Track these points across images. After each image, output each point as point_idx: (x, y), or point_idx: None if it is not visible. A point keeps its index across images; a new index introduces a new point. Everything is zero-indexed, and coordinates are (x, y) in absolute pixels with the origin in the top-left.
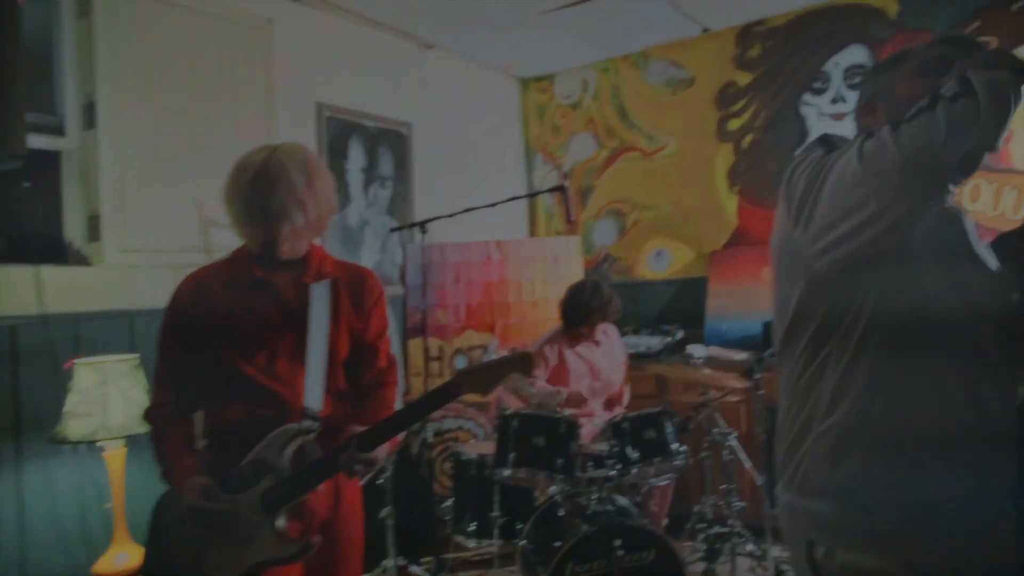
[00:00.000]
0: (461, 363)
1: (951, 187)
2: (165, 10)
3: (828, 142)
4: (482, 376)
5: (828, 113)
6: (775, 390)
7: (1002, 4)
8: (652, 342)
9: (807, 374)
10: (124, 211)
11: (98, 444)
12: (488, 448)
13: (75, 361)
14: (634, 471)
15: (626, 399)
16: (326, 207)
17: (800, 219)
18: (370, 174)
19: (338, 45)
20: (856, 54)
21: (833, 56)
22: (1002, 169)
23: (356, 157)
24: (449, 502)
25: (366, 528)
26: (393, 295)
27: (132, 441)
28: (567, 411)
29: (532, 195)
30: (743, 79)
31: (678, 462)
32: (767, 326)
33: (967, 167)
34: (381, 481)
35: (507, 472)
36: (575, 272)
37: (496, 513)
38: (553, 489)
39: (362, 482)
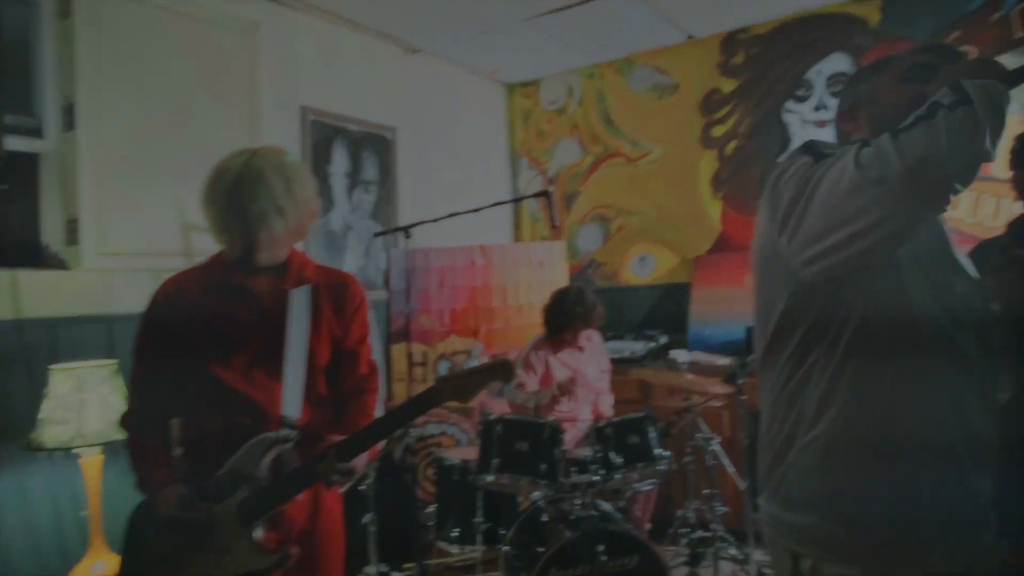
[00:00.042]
0: (445, 368)
1: (952, 197)
2: (147, 12)
3: (814, 149)
4: (463, 383)
5: (811, 120)
6: (757, 395)
7: (982, 14)
8: (636, 347)
9: (792, 383)
10: (103, 215)
11: (74, 451)
12: (471, 453)
13: (51, 367)
14: (617, 476)
15: (610, 401)
16: (307, 212)
17: (786, 227)
18: (354, 178)
19: (323, 49)
20: (838, 62)
21: (816, 64)
22: (981, 177)
23: (340, 161)
24: (432, 508)
25: (348, 534)
26: (377, 300)
27: (109, 448)
28: (561, 401)
29: (517, 200)
30: (727, 86)
31: (661, 467)
32: (750, 331)
33: (967, 176)
34: (363, 487)
35: (490, 478)
36: (560, 277)
37: (479, 519)
38: (536, 494)
39: (343, 489)
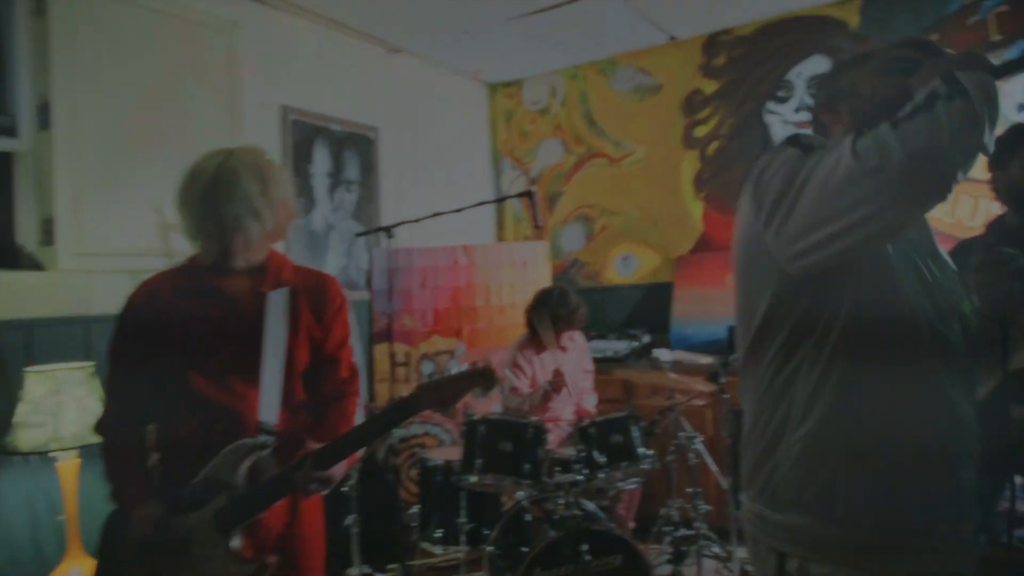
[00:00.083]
0: (428, 368)
1: (954, 187)
2: (125, 10)
3: (800, 142)
4: (443, 391)
5: (792, 121)
6: (740, 395)
7: (959, 17)
8: (619, 346)
9: (778, 381)
10: (79, 214)
11: (50, 455)
12: (455, 454)
13: (27, 369)
14: (601, 475)
15: (594, 400)
16: (284, 213)
17: (773, 220)
18: (336, 178)
19: (304, 48)
20: (818, 64)
21: (796, 66)
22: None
23: (322, 161)
24: (415, 509)
25: (330, 536)
26: (359, 300)
27: (86, 451)
28: (554, 397)
29: (500, 200)
30: (709, 87)
31: (645, 466)
32: (732, 331)
33: (967, 167)
34: (346, 488)
35: (474, 478)
36: (543, 277)
37: (463, 519)
38: (520, 494)
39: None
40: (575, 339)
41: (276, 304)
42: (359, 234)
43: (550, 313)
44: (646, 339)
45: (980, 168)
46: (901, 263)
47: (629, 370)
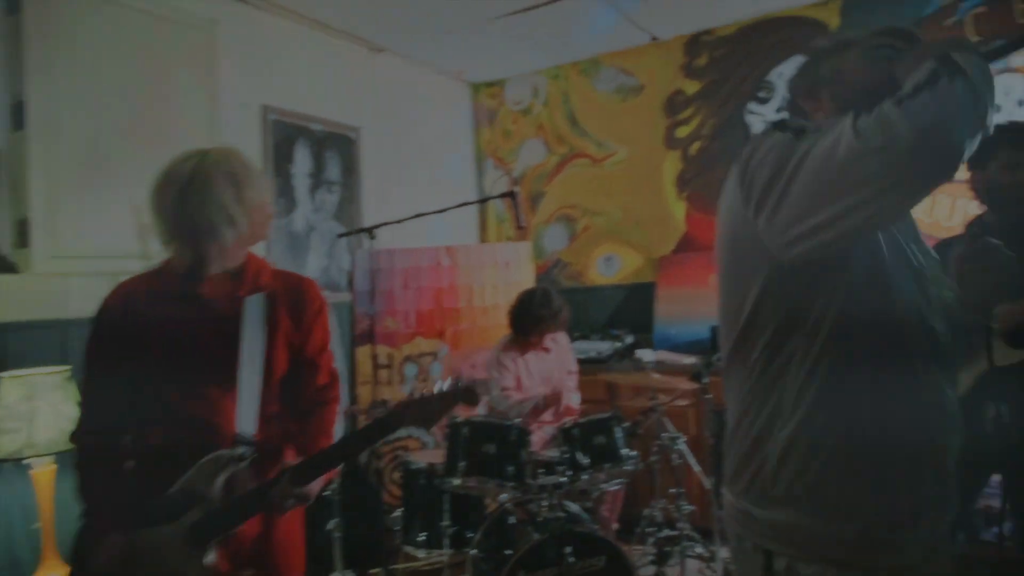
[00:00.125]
0: (411, 370)
1: (959, 166)
2: (101, 8)
3: (789, 126)
4: (426, 409)
5: (773, 122)
6: (723, 394)
7: (937, 18)
8: (602, 347)
9: (767, 375)
10: (55, 216)
11: (25, 461)
12: (438, 457)
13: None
14: (585, 477)
15: (578, 399)
16: (260, 217)
17: (764, 207)
18: (317, 179)
19: (285, 47)
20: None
21: (777, 66)
22: None
23: (302, 161)
24: (398, 512)
25: (312, 541)
26: (340, 302)
27: (61, 458)
28: (544, 415)
29: (482, 201)
30: (691, 87)
31: (628, 467)
32: (715, 331)
33: (971, 147)
34: (328, 492)
35: (457, 481)
36: (526, 278)
37: (446, 522)
38: (504, 497)
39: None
40: (558, 340)
41: (253, 310)
42: (341, 235)
43: (533, 314)
44: (629, 339)
45: (959, 168)
46: (891, 251)
47: (613, 373)
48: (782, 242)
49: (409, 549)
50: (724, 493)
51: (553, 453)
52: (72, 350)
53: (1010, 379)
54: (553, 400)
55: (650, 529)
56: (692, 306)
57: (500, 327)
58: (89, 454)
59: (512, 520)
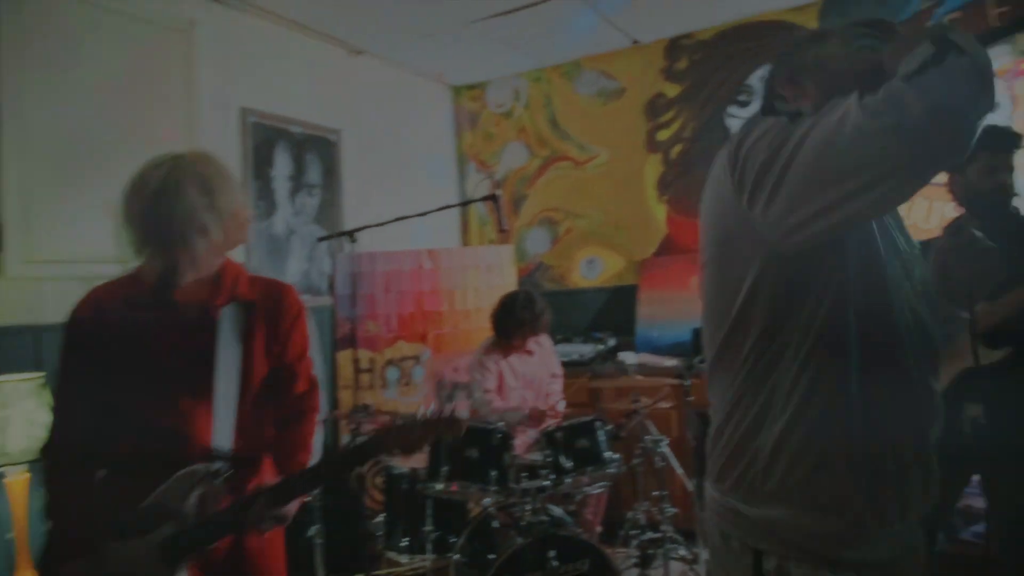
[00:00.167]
0: (393, 374)
1: (971, 145)
2: (76, 8)
3: (778, 110)
4: (408, 437)
5: (762, 107)
6: (705, 396)
7: (915, 21)
8: (584, 350)
9: (758, 368)
10: (30, 220)
11: None
12: (420, 461)
13: None
14: (568, 481)
15: (561, 404)
16: (235, 224)
17: (759, 195)
18: (297, 182)
19: (264, 49)
20: None
21: (757, 70)
22: None
23: (282, 164)
24: (380, 518)
25: (293, 547)
26: (321, 306)
27: (35, 467)
28: (529, 430)
29: (464, 204)
30: (671, 91)
31: (611, 470)
32: (696, 333)
33: (981, 125)
34: (309, 498)
35: (440, 486)
36: (508, 281)
37: (429, 527)
38: (487, 501)
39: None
40: (542, 343)
41: (230, 321)
42: (321, 239)
43: (516, 317)
44: (611, 342)
45: (969, 149)
46: (881, 237)
47: (595, 374)
48: (780, 231)
49: (392, 555)
50: (708, 491)
51: (536, 457)
52: (46, 356)
53: (987, 379)
54: (536, 420)
55: (633, 532)
56: (674, 308)
57: (483, 330)
58: (59, 466)
59: (495, 524)
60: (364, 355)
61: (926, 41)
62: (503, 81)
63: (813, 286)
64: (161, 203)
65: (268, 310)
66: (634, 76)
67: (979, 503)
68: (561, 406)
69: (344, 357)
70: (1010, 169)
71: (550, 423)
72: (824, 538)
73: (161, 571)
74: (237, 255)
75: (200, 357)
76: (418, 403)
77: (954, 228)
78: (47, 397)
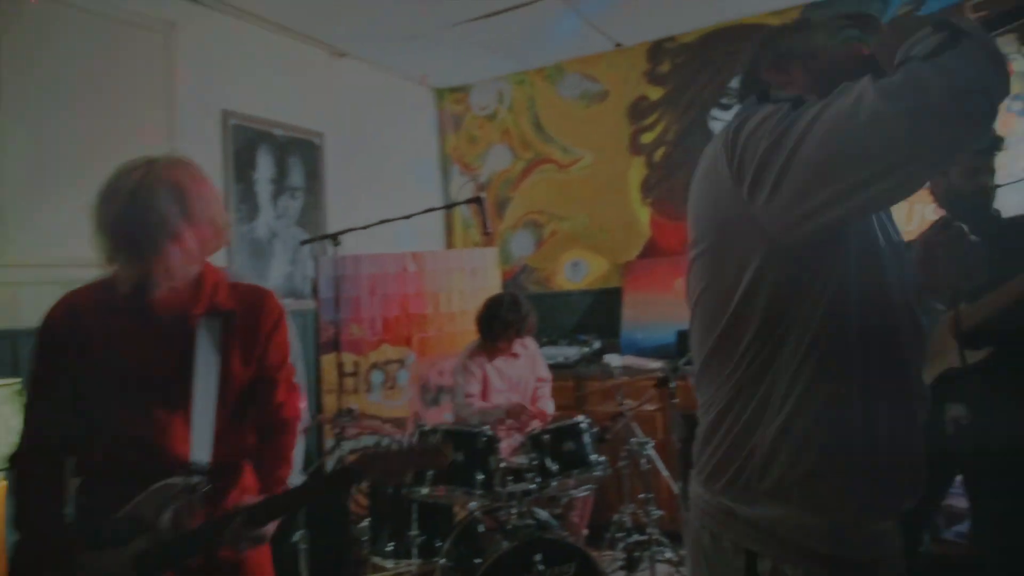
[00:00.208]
0: (378, 378)
1: (991, 128)
2: (53, 9)
3: (775, 97)
4: (391, 465)
5: (758, 94)
6: (690, 398)
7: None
8: (569, 352)
9: (755, 365)
10: (5, 223)
11: None
12: None
13: None
14: (554, 484)
15: (551, 407)
16: (210, 231)
17: (761, 185)
18: (280, 184)
19: (246, 51)
20: None
21: (739, 73)
22: None
23: (265, 167)
24: (365, 522)
25: (277, 553)
26: (305, 309)
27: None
28: (508, 426)
29: (449, 207)
30: (654, 93)
31: (597, 473)
32: (680, 335)
33: (998, 111)
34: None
35: (425, 490)
36: (493, 283)
37: (414, 532)
38: (473, 505)
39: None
40: (527, 346)
41: (208, 330)
42: (304, 242)
43: (501, 319)
44: (596, 345)
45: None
46: (878, 231)
47: (580, 376)
48: (784, 222)
49: (377, 560)
50: (696, 492)
51: (522, 460)
52: (23, 361)
53: (969, 380)
54: (515, 412)
55: (620, 535)
56: (658, 311)
57: (467, 333)
58: (29, 474)
59: (481, 528)
60: (348, 359)
61: (928, 28)
62: (486, 84)
63: (814, 278)
64: (133, 211)
65: (247, 318)
66: (617, 79)
67: (961, 503)
68: (550, 408)
69: (328, 361)
70: (991, 171)
71: (535, 426)
72: (822, 536)
73: None
74: (219, 258)
75: (177, 367)
76: (403, 406)
77: (943, 222)
78: (23, 403)
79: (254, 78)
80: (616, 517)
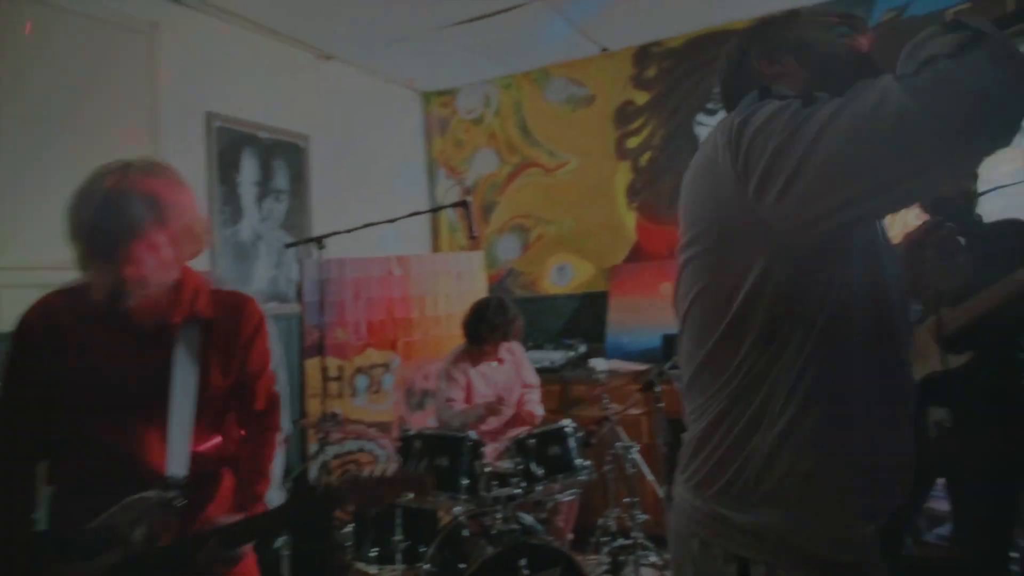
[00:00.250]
0: (362, 382)
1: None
2: (34, 9)
3: (781, 93)
4: (372, 492)
5: (761, 89)
6: (675, 402)
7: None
8: (555, 356)
9: (755, 369)
10: None
11: None
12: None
13: None
14: (539, 488)
15: (540, 412)
16: (187, 238)
17: (771, 184)
18: (264, 187)
19: (230, 53)
20: None
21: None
22: None
23: (249, 170)
24: (349, 528)
25: (260, 560)
26: (289, 313)
27: None
28: (489, 421)
29: (435, 210)
30: (640, 98)
31: (582, 477)
32: (666, 339)
33: None
34: None
35: (409, 495)
36: (479, 287)
37: (398, 537)
38: (457, 510)
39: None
40: (514, 351)
41: (187, 339)
42: (289, 245)
43: (488, 323)
44: (582, 349)
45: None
46: (877, 229)
47: (566, 380)
48: (799, 222)
49: (360, 565)
50: (685, 499)
51: (507, 464)
52: (3, 365)
53: (952, 383)
54: (493, 408)
55: (605, 539)
56: (644, 315)
57: (453, 337)
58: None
59: (466, 533)
60: (333, 363)
61: (935, 27)
62: (473, 87)
63: (820, 280)
64: (105, 217)
65: (227, 325)
66: (603, 83)
67: (943, 506)
68: (539, 412)
69: (312, 365)
70: (975, 176)
71: (522, 430)
72: (820, 540)
73: None
74: (203, 262)
75: (154, 377)
76: (388, 410)
77: (934, 223)
78: None
79: (239, 80)
80: (601, 521)
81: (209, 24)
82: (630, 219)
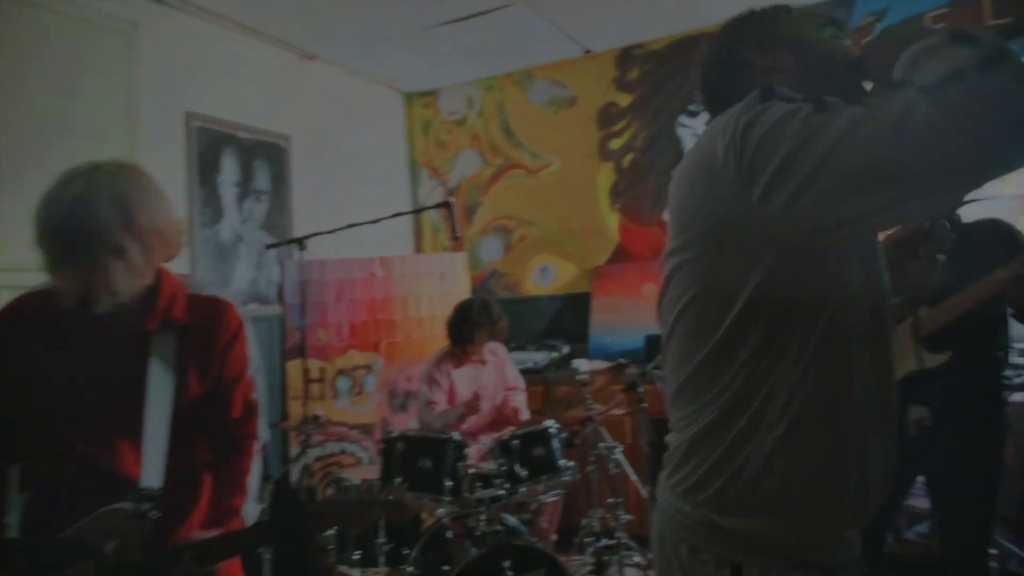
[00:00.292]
0: (344, 384)
1: None
2: (11, 7)
3: (784, 95)
4: (351, 514)
5: (764, 89)
6: (659, 403)
7: (863, 33)
8: (538, 357)
9: (755, 374)
10: None
11: None
12: (372, 473)
13: None
14: (523, 489)
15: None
16: (159, 242)
17: (781, 187)
18: (245, 188)
19: (211, 52)
20: None
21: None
22: None
23: (229, 170)
24: (331, 531)
25: (242, 563)
26: (270, 315)
27: None
28: (468, 419)
29: (417, 211)
30: (623, 100)
31: (566, 478)
32: (649, 340)
33: None
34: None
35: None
36: (462, 288)
37: (381, 539)
38: (441, 512)
39: None
40: (497, 352)
41: (162, 347)
42: (269, 246)
43: (472, 324)
44: (565, 349)
45: None
46: (876, 247)
47: (549, 381)
48: (807, 229)
49: (343, 568)
50: (672, 504)
51: (491, 465)
52: None
53: (932, 382)
54: (472, 406)
55: (588, 539)
56: (626, 316)
57: (436, 338)
58: None
59: (449, 535)
60: (314, 365)
61: (939, 37)
62: (456, 88)
63: (822, 283)
64: (72, 223)
65: (203, 332)
66: (586, 85)
67: (922, 504)
68: (525, 414)
69: (294, 367)
70: None
71: (505, 431)
72: (814, 544)
73: None
74: (182, 263)
75: (128, 386)
76: (371, 412)
77: (924, 225)
78: None
79: (219, 80)
80: (585, 522)
81: (189, 23)
82: (613, 220)
